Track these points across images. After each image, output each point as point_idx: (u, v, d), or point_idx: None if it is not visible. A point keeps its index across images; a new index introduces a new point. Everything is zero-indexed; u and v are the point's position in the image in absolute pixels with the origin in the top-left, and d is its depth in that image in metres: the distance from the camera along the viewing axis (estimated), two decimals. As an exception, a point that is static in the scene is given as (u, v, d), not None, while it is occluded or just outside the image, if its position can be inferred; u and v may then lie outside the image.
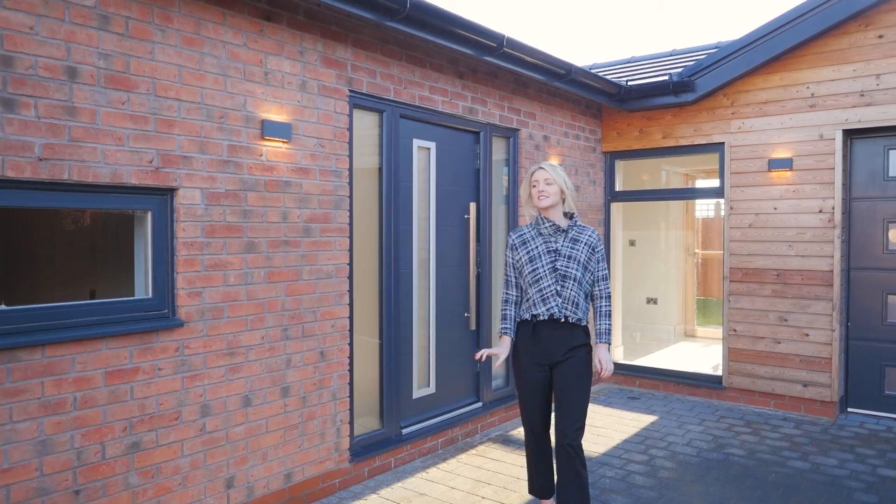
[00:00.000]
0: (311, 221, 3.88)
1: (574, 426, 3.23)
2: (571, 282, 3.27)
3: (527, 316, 3.35)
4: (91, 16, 2.90)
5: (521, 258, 3.36)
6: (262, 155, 3.60)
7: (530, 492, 3.61)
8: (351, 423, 4.17)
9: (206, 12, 3.32)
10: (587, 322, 3.36)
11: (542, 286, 3.28)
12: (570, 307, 3.27)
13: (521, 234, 3.43)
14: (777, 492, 4.08)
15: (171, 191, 3.23)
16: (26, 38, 2.70)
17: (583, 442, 3.30)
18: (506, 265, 3.50)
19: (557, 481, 3.32)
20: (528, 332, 3.35)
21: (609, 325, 3.39)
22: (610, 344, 3.39)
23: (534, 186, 3.35)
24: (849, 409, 5.80)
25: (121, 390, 3.02)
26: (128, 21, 3.02)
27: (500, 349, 3.38)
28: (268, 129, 3.58)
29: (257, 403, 3.61)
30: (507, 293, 3.46)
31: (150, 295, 3.19)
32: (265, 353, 3.64)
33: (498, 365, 3.32)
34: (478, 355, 3.39)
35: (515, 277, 3.43)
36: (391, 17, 3.85)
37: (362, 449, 4.28)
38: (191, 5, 3.25)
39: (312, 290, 3.90)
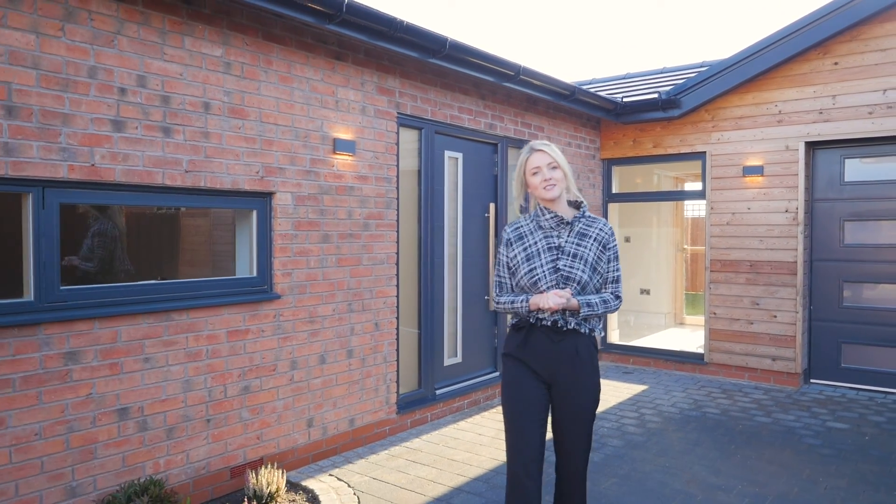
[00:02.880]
0: (369, 218, 4.84)
1: (581, 462, 2.77)
2: (575, 285, 2.70)
3: (520, 322, 2.80)
4: (219, 63, 3.86)
5: (516, 256, 2.81)
6: (334, 166, 4.56)
7: None
8: (397, 382, 5.14)
9: (295, 55, 4.28)
10: (597, 332, 2.83)
11: (542, 289, 2.72)
12: (572, 313, 2.72)
13: (518, 228, 2.88)
14: (742, 437, 5.06)
15: (270, 195, 4.20)
16: (177, 82, 3.66)
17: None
18: (498, 264, 2.92)
19: None
20: (520, 342, 2.77)
21: (596, 303, 2.71)
22: (579, 313, 2.68)
23: (534, 174, 2.80)
24: (811, 380, 6.78)
25: (237, 346, 3.99)
26: (243, 66, 3.98)
27: (551, 295, 2.64)
28: (338, 146, 4.54)
29: (330, 361, 4.57)
30: (498, 294, 2.88)
31: (255, 274, 4.16)
32: (335, 322, 4.61)
33: (557, 305, 2.62)
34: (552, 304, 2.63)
35: (509, 278, 2.85)
36: (433, 55, 4.82)
37: (406, 404, 5.24)
38: (285, 51, 4.21)
39: (369, 273, 4.86)
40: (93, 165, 3.31)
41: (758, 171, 6.75)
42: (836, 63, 6.33)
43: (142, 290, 3.57)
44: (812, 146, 6.64)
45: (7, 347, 3.03)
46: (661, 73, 8.77)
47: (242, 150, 3.99)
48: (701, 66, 8.42)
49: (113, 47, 3.38)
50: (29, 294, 3.18)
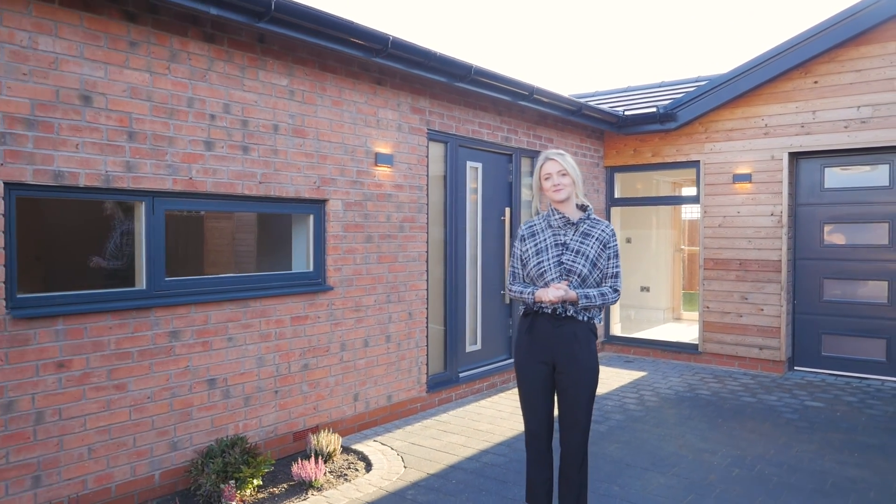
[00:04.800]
0: (404, 221, 5.57)
1: (578, 431, 3.16)
2: (576, 277, 3.10)
3: (527, 309, 3.23)
4: (285, 91, 4.59)
5: (528, 250, 3.22)
6: (375, 176, 5.29)
7: (527, 500, 3.34)
8: (427, 365, 5.86)
9: (344, 82, 5.01)
10: (596, 321, 3.21)
11: (547, 280, 3.12)
12: (571, 304, 3.10)
13: (531, 226, 3.29)
14: (729, 413, 5.78)
15: (324, 202, 4.92)
16: (253, 108, 4.39)
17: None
18: (512, 256, 3.33)
19: (558, 485, 3.28)
20: (527, 327, 3.20)
21: (594, 296, 3.08)
22: (579, 305, 3.07)
23: (546, 179, 3.18)
24: (795, 368, 7.50)
25: (299, 329, 4.71)
26: (304, 93, 4.71)
27: (551, 288, 3.04)
28: (379, 159, 5.27)
29: (372, 345, 5.30)
30: (511, 283, 3.33)
31: (312, 269, 4.88)
32: (376, 311, 5.33)
33: (556, 298, 3.01)
34: (550, 297, 3.03)
35: (521, 269, 3.27)
36: (460, 80, 5.55)
37: (434, 384, 5.96)
38: (336, 78, 4.94)
39: (404, 269, 5.59)
40: (190, 179, 4.04)
41: (746, 178, 7.46)
42: (815, 82, 7.06)
43: (226, 281, 4.31)
44: (795, 156, 7.36)
45: (128, 326, 3.76)
46: (660, 86, 9.50)
47: (303, 163, 4.72)
48: (697, 81, 9.15)
49: (205, 81, 4.11)
50: (142, 284, 3.91)
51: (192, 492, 3.95)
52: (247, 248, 5.08)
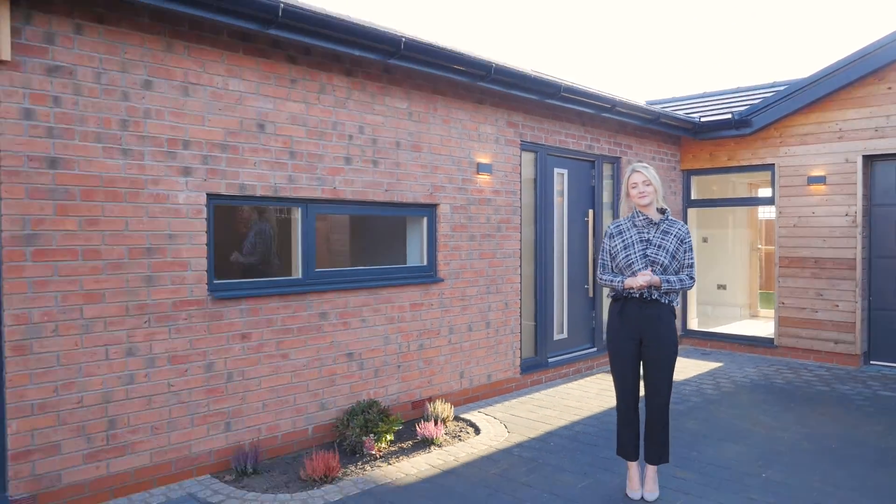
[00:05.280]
0: (501, 223, 6.34)
1: (662, 396, 3.81)
2: (658, 267, 3.69)
3: (617, 295, 3.88)
4: (405, 113, 5.44)
5: (616, 245, 3.82)
6: (477, 183, 6.08)
7: (618, 453, 4.00)
8: (520, 349, 6.61)
9: (452, 103, 5.82)
10: (675, 304, 3.83)
11: (634, 269, 3.72)
12: (655, 288, 3.72)
13: (619, 225, 3.89)
14: (801, 399, 6.24)
15: (435, 206, 5.75)
16: (381, 129, 5.26)
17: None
18: (602, 251, 3.95)
19: (644, 442, 3.93)
20: (618, 310, 3.83)
21: (673, 281, 3.70)
22: (662, 289, 3.70)
23: (633, 187, 3.78)
24: (871, 362, 7.80)
25: (416, 314, 5.55)
26: (419, 113, 5.55)
27: (639, 276, 3.67)
28: (480, 168, 6.06)
29: (475, 330, 6.09)
30: (601, 273, 3.94)
31: (426, 263, 5.72)
32: (478, 300, 6.12)
33: (645, 283, 3.64)
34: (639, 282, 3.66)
35: (610, 261, 3.88)
36: (551, 97, 6.27)
37: (526, 367, 6.70)
38: (445, 100, 5.76)
39: (501, 264, 6.36)
40: (334, 188, 4.94)
41: (821, 180, 7.83)
42: (889, 88, 7.37)
43: (360, 273, 5.19)
44: (869, 159, 7.68)
45: (290, 308, 4.68)
46: (735, 92, 9.89)
47: (419, 174, 5.56)
48: (772, 87, 9.50)
49: (345, 108, 5.01)
50: (298, 273, 4.83)
51: (337, 443, 4.83)
52: (370, 244, 5.97)
